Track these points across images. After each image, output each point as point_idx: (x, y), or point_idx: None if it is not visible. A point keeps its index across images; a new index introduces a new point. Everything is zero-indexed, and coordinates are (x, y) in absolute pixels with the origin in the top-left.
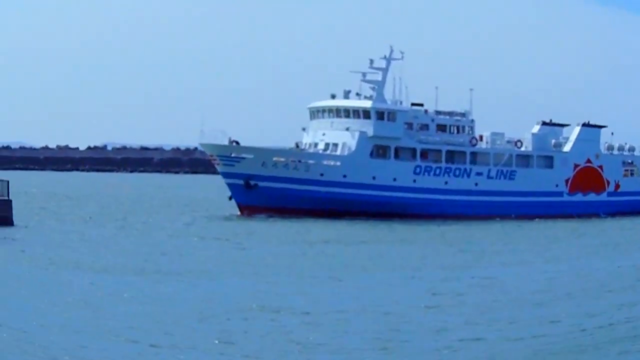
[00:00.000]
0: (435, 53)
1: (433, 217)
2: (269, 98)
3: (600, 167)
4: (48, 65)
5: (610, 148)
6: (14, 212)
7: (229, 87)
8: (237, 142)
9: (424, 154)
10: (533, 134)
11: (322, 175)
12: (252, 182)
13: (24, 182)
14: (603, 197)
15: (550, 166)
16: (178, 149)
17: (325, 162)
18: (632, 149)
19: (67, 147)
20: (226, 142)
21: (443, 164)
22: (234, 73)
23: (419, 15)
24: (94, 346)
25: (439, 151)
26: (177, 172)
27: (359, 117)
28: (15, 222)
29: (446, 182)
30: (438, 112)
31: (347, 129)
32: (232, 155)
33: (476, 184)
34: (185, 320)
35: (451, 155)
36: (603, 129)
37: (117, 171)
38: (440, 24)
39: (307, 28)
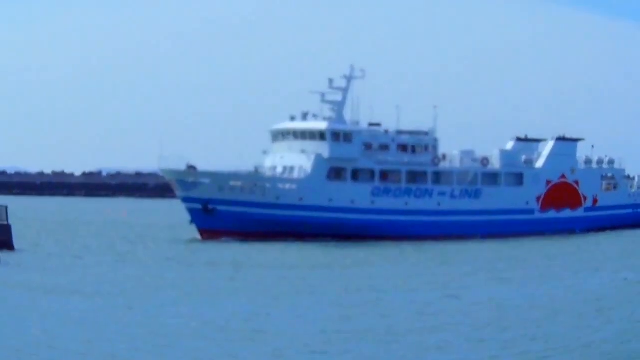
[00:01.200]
0: (399, 71)
1: (394, 239)
2: (233, 121)
3: (576, 182)
4: (42, 92)
5: (588, 162)
6: (13, 236)
7: (191, 111)
8: (194, 167)
9: (384, 175)
10: (501, 151)
11: (278, 198)
12: (210, 207)
13: (21, 208)
14: (579, 213)
15: (520, 183)
16: None
17: (281, 186)
18: (611, 162)
19: (62, 173)
20: (183, 167)
21: (403, 185)
22: (196, 97)
23: (381, 35)
24: None
25: (399, 172)
26: (173, 197)
27: (314, 139)
28: (15, 247)
29: (407, 203)
30: (399, 132)
31: (303, 152)
32: (190, 180)
33: (439, 204)
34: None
35: (412, 176)
36: (580, 142)
37: (113, 196)
38: (404, 42)
39: (269, 50)
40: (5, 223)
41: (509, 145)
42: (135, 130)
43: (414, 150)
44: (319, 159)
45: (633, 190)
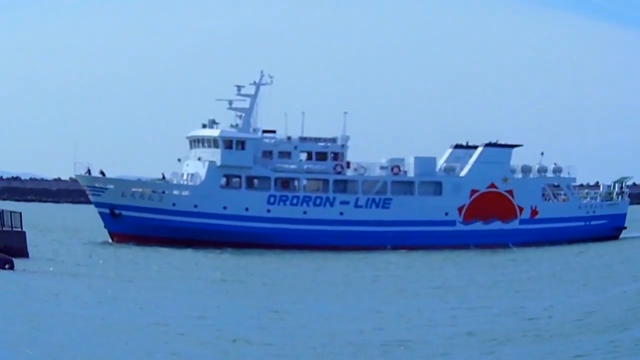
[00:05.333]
0: (311, 79)
1: (290, 248)
2: (160, 129)
3: (509, 191)
4: (56, 99)
5: (525, 170)
6: (28, 244)
7: (120, 118)
8: (103, 173)
9: (284, 184)
10: (416, 158)
11: (174, 205)
12: (116, 211)
13: (36, 214)
14: (513, 225)
15: (439, 193)
16: None
17: (176, 192)
18: (558, 170)
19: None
20: (92, 174)
21: (301, 193)
22: (130, 104)
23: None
24: None
25: (298, 180)
26: None
27: (210, 146)
28: (30, 255)
29: (305, 212)
30: (303, 139)
31: (199, 159)
32: (98, 185)
33: (341, 213)
34: None
35: (312, 184)
36: (520, 149)
37: None
38: (322, 49)
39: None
40: (20, 230)
41: (447, 152)
42: (146, 137)
43: (318, 158)
44: (212, 166)
45: (585, 201)
